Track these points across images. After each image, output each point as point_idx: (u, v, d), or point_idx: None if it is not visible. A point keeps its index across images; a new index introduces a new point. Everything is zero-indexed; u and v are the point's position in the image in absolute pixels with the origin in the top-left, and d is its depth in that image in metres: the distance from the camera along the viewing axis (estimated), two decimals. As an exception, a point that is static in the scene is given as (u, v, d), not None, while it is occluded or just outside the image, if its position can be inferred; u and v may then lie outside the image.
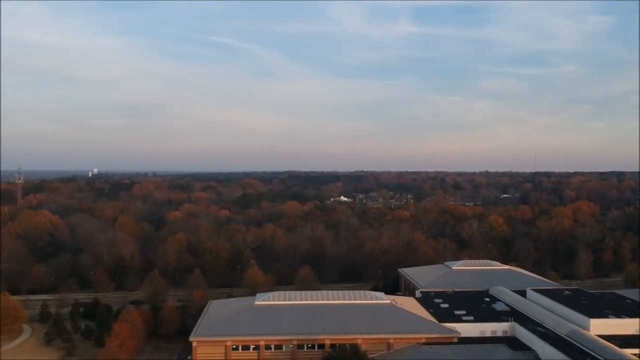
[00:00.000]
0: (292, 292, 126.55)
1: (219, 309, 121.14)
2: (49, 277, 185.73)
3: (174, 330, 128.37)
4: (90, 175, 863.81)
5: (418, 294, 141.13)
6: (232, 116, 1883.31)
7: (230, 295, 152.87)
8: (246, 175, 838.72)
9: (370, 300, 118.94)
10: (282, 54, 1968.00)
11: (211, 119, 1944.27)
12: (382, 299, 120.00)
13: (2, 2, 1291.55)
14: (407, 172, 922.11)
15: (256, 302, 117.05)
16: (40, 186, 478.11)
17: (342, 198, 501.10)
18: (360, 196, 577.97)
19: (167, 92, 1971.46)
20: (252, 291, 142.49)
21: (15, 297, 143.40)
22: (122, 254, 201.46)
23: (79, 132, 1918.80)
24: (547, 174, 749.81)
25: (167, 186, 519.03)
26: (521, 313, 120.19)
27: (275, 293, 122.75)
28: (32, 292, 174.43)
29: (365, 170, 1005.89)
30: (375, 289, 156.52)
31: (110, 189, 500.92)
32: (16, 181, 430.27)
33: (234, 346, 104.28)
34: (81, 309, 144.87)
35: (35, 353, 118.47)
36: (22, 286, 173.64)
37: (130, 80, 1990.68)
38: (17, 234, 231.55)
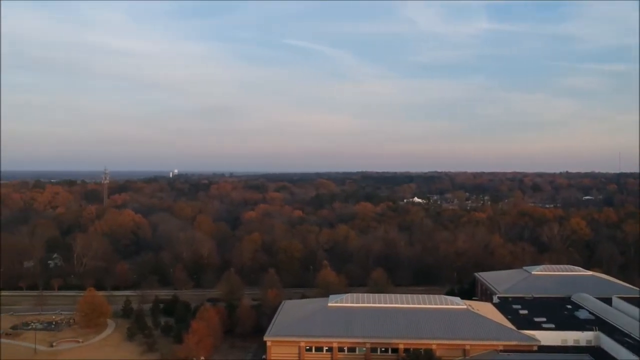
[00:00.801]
0: (365, 294, 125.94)
1: (292, 309, 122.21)
2: (132, 274, 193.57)
3: (249, 329, 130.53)
4: (171, 175, 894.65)
5: (495, 299, 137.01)
6: (306, 117, 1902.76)
7: (303, 296, 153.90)
8: (319, 175, 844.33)
9: (446, 304, 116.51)
10: (355, 55, 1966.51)
11: (286, 120, 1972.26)
12: (457, 303, 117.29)
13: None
14: (483, 172, 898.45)
15: (329, 304, 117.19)
16: (124, 186, 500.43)
17: (416, 199, 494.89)
18: (435, 197, 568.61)
19: (243, 95, 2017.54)
20: (325, 292, 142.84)
21: (101, 293, 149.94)
22: (200, 253, 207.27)
23: (161, 134, 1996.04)
24: (633, 175, 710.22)
25: (243, 186, 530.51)
26: (606, 322, 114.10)
27: (348, 295, 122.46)
28: (116, 288, 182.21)
29: (439, 170, 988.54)
30: (450, 293, 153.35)
31: (190, 189, 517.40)
32: (102, 182, 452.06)
33: (307, 347, 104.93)
34: (161, 306, 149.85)
35: (118, 347, 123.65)
36: (107, 282, 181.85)
37: (209, 84, 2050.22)
38: (103, 232, 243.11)
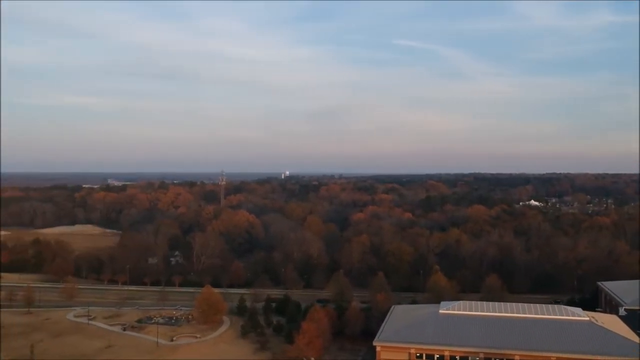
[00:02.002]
0: (479, 302, 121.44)
1: (402, 315, 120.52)
2: (246, 272, 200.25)
3: (358, 332, 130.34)
4: (282, 177, 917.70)
5: (622, 311, 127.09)
6: (416, 118, 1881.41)
7: (413, 301, 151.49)
8: (429, 177, 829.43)
9: (566, 316, 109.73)
10: (468, 53, 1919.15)
11: (395, 121, 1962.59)
12: (579, 315, 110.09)
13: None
14: (606, 174, 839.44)
15: (441, 311, 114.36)
16: (239, 187, 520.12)
17: (533, 202, 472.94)
18: (553, 200, 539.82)
19: (353, 97, 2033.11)
20: (436, 297, 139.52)
21: (217, 291, 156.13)
22: (310, 253, 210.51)
23: (274, 137, 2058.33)
24: None
25: (352, 188, 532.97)
26: None
27: (461, 302, 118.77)
28: (231, 286, 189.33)
29: (557, 172, 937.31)
30: (571, 303, 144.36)
31: (300, 190, 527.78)
32: (219, 183, 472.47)
33: (418, 354, 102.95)
34: (273, 305, 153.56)
35: (232, 344, 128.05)
36: (222, 280, 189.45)
37: (320, 87, 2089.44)
38: (220, 231, 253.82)
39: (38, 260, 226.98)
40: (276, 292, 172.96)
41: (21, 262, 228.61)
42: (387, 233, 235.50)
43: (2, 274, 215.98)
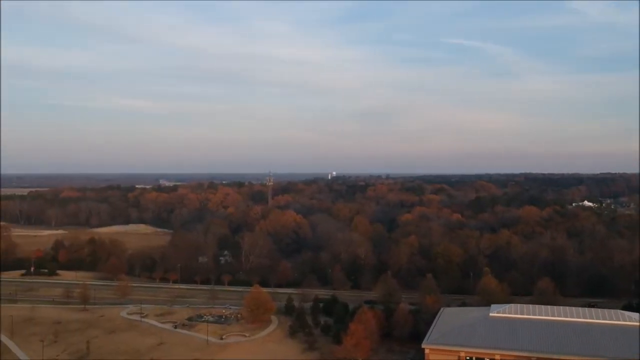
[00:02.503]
0: (531, 305, 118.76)
1: (451, 317, 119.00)
2: (293, 272, 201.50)
3: (406, 334, 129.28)
4: (329, 177, 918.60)
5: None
6: (465, 117, 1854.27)
7: (463, 303, 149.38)
8: (479, 177, 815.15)
9: (622, 320, 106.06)
10: (518, 51, 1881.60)
11: (443, 121, 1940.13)
12: (636, 320, 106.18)
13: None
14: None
15: (491, 314, 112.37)
16: (287, 188, 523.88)
17: (586, 203, 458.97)
18: (608, 201, 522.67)
19: (400, 96, 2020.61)
20: (486, 300, 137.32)
21: (265, 290, 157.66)
22: (357, 254, 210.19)
23: (321, 137, 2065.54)
24: None
25: (399, 188, 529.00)
26: None
27: (512, 305, 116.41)
28: (279, 285, 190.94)
29: (613, 172, 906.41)
30: (628, 308, 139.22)
31: (347, 190, 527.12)
32: (267, 183, 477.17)
33: (468, 357, 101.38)
34: (321, 305, 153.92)
35: (281, 343, 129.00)
36: (270, 279, 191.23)
37: (368, 87, 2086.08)
38: (268, 231, 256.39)
39: (93, 258, 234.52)
40: (323, 293, 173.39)
41: (77, 261, 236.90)
42: (436, 234, 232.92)
43: (60, 272, 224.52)
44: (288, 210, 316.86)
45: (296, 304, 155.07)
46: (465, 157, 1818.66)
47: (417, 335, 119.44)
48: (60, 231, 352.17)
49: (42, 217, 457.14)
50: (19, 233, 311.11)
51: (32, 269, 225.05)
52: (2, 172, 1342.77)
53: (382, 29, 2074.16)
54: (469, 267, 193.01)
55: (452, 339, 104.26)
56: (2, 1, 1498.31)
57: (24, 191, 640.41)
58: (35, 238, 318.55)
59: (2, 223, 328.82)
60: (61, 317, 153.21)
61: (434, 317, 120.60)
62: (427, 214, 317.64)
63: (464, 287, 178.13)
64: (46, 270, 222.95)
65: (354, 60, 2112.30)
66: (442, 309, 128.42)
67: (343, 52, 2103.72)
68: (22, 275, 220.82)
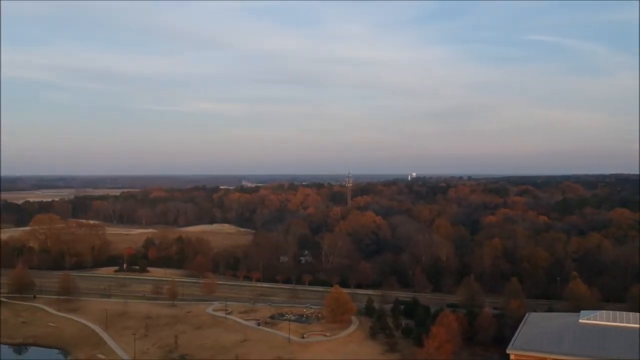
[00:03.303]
0: (623, 313, 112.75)
1: (538, 323, 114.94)
2: (373, 273, 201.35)
3: (489, 338, 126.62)
4: (409, 178, 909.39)
5: None
6: (550, 116, 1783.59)
7: (550, 309, 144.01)
8: (566, 178, 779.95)
9: None
10: (606, 47, 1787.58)
11: (527, 120, 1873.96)
12: None
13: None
14: None
15: (580, 320, 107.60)
16: (366, 189, 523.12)
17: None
18: None
19: (482, 96, 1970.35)
20: (574, 306, 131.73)
21: (345, 290, 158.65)
22: (438, 256, 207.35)
23: (400, 138, 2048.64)
24: None
25: (482, 190, 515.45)
26: None
27: (603, 312, 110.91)
28: (359, 286, 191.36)
29: None
30: None
31: (428, 192, 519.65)
32: (346, 184, 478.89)
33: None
34: (402, 307, 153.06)
35: (361, 344, 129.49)
36: (350, 280, 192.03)
37: (447, 86, 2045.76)
38: (347, 232, 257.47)
39: (181, 256, 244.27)
40: (404, 295, 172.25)
41: (166, 258, 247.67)
42: (521, 237, 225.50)
43: (150, 269, 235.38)
44: (367, 211, 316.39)
45: (376, 305, 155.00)
46: (551, 157, 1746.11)
47: (501, 340, 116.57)
48: (150, 230, 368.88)
49: (133, 217, 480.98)
50: (112, 232, 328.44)
51: (124, 265, 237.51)
52: (97, 174, 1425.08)
53: (461, 28, 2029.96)
54: (555, 271, 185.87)
55: (538, 345, 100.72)
56: (93, 10, 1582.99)
57: (117, 192, 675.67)
58: (127, 236, 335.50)
59: (97, 222, 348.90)
60: (151, 312, 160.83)
61: (519, 322, 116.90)
62: (511, 216, 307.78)
63: (550, 291, 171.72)
64: (137, 267, 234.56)
65: (432, 60, 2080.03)
66: (527, 314, 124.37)
67: (420, 52, 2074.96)
68: (116, 271, 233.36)
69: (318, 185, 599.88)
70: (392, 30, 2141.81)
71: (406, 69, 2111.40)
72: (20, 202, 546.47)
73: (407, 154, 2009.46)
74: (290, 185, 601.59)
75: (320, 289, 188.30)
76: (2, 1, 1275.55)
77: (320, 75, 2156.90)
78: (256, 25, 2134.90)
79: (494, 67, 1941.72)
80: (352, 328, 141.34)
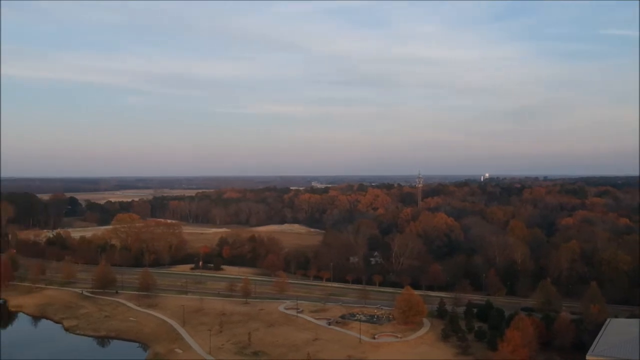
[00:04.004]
0: None
1: (619, 329, 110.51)
2: (445, 275, 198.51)
3: (567, 344, 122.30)
4: (482, 179, 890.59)
5: None
6: (628, 113, 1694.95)
7: (632, 315, 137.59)
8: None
9: None
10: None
11: (603, 118, 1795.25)
12: None
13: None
14: None
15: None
16: (437, 190, 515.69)
17: None
18: None
19: (555, 93, 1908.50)
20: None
21: (416, 292, 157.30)
22: (513, 258, 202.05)
23: (472, 138, 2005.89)
24: None
25: (558, 190, 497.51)
26: None
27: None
28: (430, 288, 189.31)
29: None
30: None
31: (501, 192, 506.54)
32: (417, 185, 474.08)
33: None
34: (474, 310, 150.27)
35: (433, 347, 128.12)
36: (421, 282, 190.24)
37: (520, 85, 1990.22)
38: (418, 233, 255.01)
39: (253, 255, 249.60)
40: (477, 297, 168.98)
41: (239, 257, 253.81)
42: (601, 240, 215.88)
43: (224, 267, 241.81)
44: (439, 213, 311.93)
45: (448, 307, 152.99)
46: (631, 156, 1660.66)
47: (579, 346, 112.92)
48: (223, 229, 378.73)
49: (207, 216, 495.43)
50: (188, 230, 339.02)
51: (200, 263, 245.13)
52: (173, 175, 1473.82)
53: (535, 24, 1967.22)
54: (638, 275, 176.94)
55: (620, 352, 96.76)
56: (168, 16, 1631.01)
57: (192, 192, 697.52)
58: (202, 235, 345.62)
59: (174, 221, 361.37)
60: (225, 309, 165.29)
61: (599, 328, 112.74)
62: (590, 217, 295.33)
63: (633, 297, 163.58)
64: (212, 265, 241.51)
65: (505, 58, 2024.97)
66: (608, 319, 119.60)
67: (492, 51, 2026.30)
68: (192, 269, 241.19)
69: (388, 186, 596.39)
70: (463, 29, 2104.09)
71: (478, 68, 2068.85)
72: (102, 202, 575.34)
73: (479, 154, 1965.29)
74: (359, 186, 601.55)
75: (390, 290, 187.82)
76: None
77: (390, 75, 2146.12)
78: (327, 27, 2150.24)
79: (569, 64, 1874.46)
80: (423, 330, 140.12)
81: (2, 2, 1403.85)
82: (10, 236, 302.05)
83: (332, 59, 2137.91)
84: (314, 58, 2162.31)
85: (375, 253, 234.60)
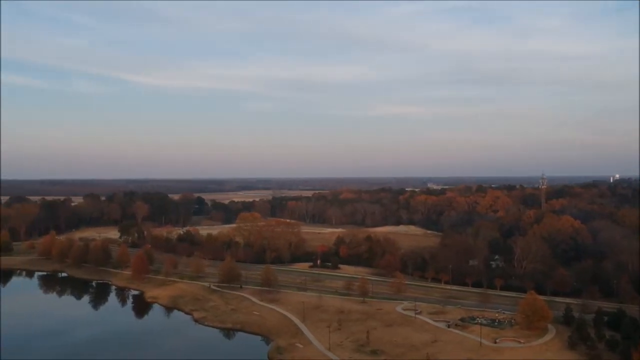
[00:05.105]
0: None
1: None
2: (571, 280, 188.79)
3: None
4: (611, 180, 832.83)
5: None
6: None
7: None
8: None
9: None
10: None
11: None
12: None
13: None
14: None
15: None
16: (562, 191, 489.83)
17: None
18: None
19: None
20: None
21: (541, 297, 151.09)
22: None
23: (601, 136, 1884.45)
24: None
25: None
26: None
27: None
28: (555, 293, 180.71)
29: None
30: None
31: (633, 194, 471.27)
32: (540, 186, 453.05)
33: None
34: (605, 318, 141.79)
35: (559, 354, 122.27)
36: (546, 287, 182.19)
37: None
38: (542, 236, 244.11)
39: (370, 255, 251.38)
40: (607, 305, 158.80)
41: (356, 256, 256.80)
42: None
43: (341, 266, 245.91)
44: (564, 215, 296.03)
45: (575, 314, 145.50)
46: None
47: None
48: (339, 229, 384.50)
49: (323, 216, 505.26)
50: (305, 230, 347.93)
51: (317, 262, 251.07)
52: (291, 176, 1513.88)
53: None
54: None
55: None
56: (288, 23, 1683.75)
57: (309, 193, 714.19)
58: (319, 235, 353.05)
59: (293, 221, 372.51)
60: (343, 307, 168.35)
61: None
62: None
63: None
64: (329, 264, 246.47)
65: (632, 51, 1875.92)
66: None
67: (618, 44, 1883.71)
68: (310, 267, 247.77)
69: (508, 187, 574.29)
70: (587, 22, 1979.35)
71: (606, 62, 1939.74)
72: (226, 202, 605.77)
73: (608, 153, 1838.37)
74: (478, 188, 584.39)
75: (512, 294, 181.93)
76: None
77: (510, 73, 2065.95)
78: (445, 26, 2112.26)
79: None
80: (548, 336, 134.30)
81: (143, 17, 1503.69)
82: (145, 233, 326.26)
83: (451, 58, 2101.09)
84: (431, 58, 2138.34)
85: (496, 257, 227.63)
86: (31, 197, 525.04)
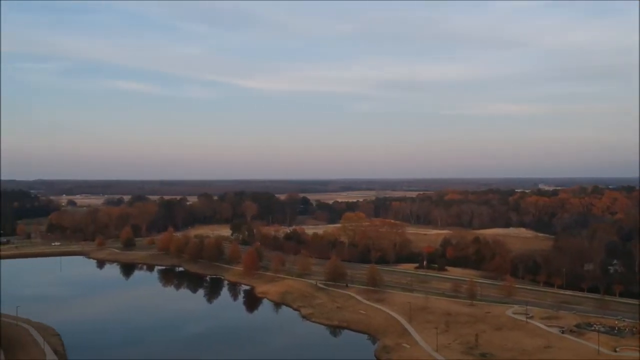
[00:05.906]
0: None
1: None
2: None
3: None
4: None
5: None
6: None
7: None
8: None
9: None
10: None
11: None
12: None
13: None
14: None
15: None
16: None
17: None
18: None
19: None
20: None
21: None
22: None
23: None
24: None
25: None
26: None
27: None
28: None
29: None
30: None
31: None
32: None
33: None
34: None
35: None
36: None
37: None
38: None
39: (478, 257, 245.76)
40: None
41: (463, 258, 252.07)
42: None
43: (448, 268, 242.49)
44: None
45: None
46: None
47: None
48: (445, 231, 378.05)
49: (428, 217, 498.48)
50: (410, 231, 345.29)
51: (424, 263, 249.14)
52: (394, 177, 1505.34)
53: None
54: None
55: None
56: (392, 24, 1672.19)
57: (413, 194, 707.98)
58: (425, 236, 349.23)
59: (397, 221, 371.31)
60: (450, 309, 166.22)
61: None
62: None
63: None
64: (436, 265, 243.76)
65: None
66: None
67: None
68: (416, 268, 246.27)
69: (627, 188, 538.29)
70: None
71: None
72: (330, 202, 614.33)
73: None
74: (593, 188, 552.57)
75: (634, 301, 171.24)
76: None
77: (624, 68, 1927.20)
78: (556, 20, 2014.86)
79: None
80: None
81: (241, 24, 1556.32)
82: (255, 231, 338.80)
83: (563, 53, 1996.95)
84: (542, 54, 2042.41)
85: (615, 261, 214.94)
86: (151, 197, 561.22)
